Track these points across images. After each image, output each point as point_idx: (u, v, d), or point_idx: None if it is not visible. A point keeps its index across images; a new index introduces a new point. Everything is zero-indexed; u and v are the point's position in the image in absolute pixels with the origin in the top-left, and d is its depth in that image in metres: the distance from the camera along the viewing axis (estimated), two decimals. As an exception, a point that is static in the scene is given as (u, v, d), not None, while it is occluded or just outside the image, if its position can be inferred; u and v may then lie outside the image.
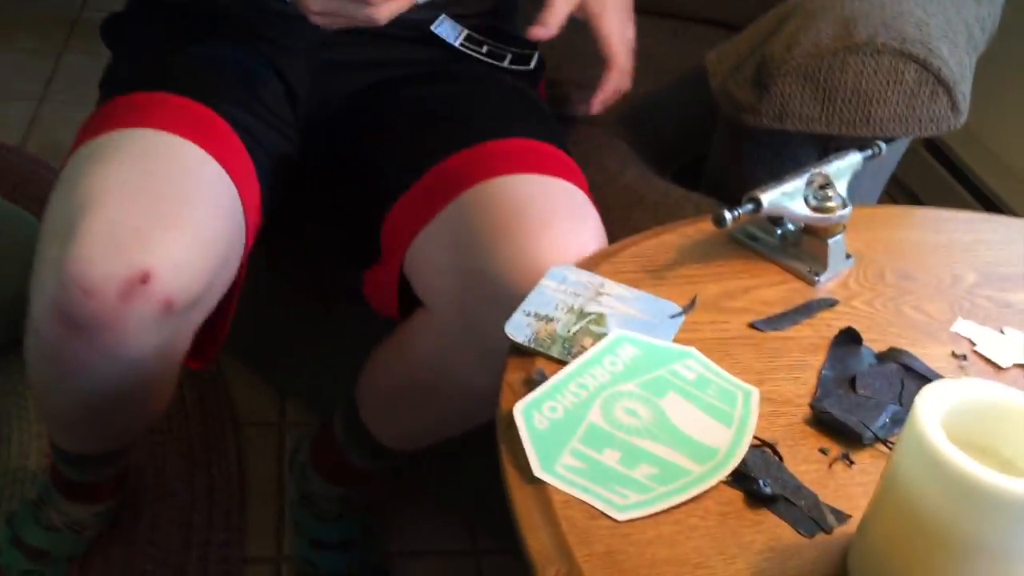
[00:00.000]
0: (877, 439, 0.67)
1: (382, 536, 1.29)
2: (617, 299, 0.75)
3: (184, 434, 1.34)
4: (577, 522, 0.58)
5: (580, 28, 1.32)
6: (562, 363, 0.69)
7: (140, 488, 1.27)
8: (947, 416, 0.51)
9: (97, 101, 0.99)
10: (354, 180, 1.02)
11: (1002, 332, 0.79)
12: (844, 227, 0.83)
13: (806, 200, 0.82)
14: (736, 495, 0.61)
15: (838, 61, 0.92)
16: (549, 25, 0.92)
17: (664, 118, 1.21)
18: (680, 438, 0.64)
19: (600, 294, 0.76)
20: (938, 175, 1.97)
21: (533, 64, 1.10)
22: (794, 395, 0.70)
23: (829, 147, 1.02)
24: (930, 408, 0.51)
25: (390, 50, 1.03)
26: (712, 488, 0.61)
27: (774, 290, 0.80)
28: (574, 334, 0.71)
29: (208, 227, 0.83)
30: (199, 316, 0.88)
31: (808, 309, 0.79)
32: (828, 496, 0.62)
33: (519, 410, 0.64)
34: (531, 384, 0.67)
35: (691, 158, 1.19)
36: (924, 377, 0.73)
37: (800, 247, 0.83)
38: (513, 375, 0.68)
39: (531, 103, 1.04)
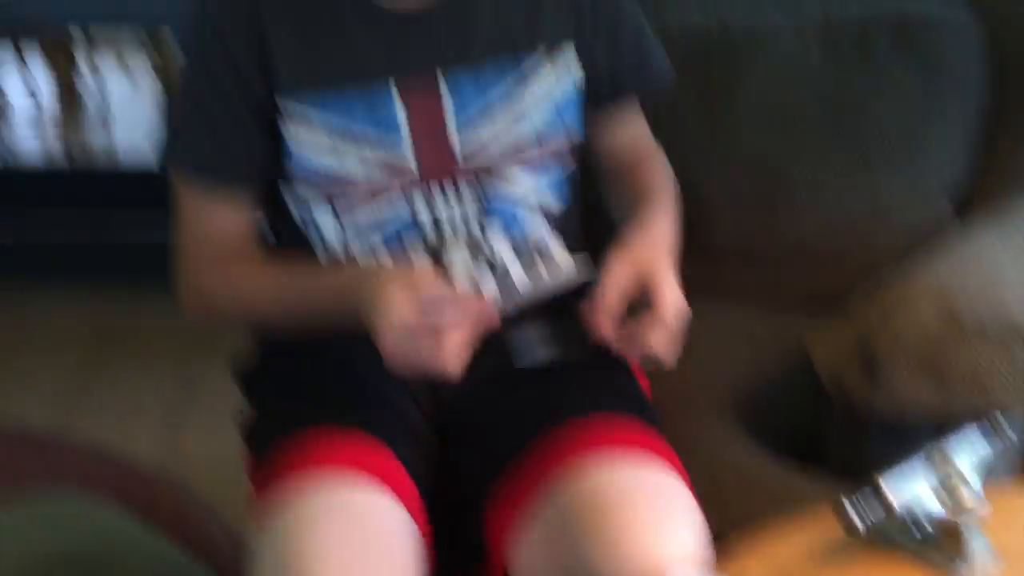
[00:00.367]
0: None
1: None
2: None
3: None
4: None
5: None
6: None
7: None
8: None
9: (247, 446, 1.05)
10: (452, 469, 1.04)
11: None
12: (982, 519, 0.80)
13: (936, 495, 0.79)
14: None
15: (948, 345, 0.93)
16: (606, 316, 0.94)
17: (772, 398, 1.21)
18: None
19: None
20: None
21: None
22: None
23: (948, 426, 1.00)
24: None
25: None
26: None
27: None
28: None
29: None
30: None
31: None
32: None
33: None
34: None
35: (806, 438, 1.18)
36: None
37: (937, 543, 0.80)
38: None
39: (626, 387, 1.06)
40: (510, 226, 1.05)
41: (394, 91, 1.00)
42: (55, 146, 4.17)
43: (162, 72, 4.09)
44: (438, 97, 1.00)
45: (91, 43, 4.55)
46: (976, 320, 0.92)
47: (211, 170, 1.03)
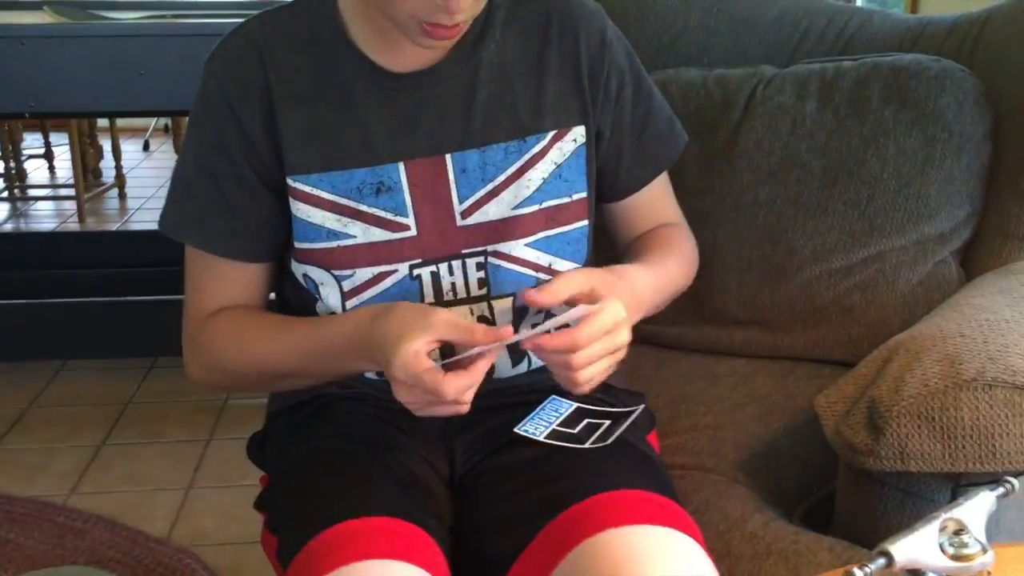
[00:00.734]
0: None
1: None
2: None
3: None
4: None
5: (693, 379, 1.37)
6: None
7: None
8: None
9: (267, 524, 1.04)
10: (471, 544, 1.03)
11: None
12: (989, 573, 0.78)
13: (941, 548, 0.78)
14: None
15: (950, 399, 0.92)
16: (548, 291, 0.92)
17: (782, 460, 1.20)
18: None
19: None
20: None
21: (635, 416, 1.12)
22: None
23: (959, 481, 0.99)
24: None
25: (507, 406, 1.08)
26: None
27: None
28: None
29: None
30: None
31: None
32: None
33: None
34: None
35: (818, 498, 1.17)
36: None
37: (946, 601, 0.79)
38: None
39: (639, 454, 1.05)
40: (517, 298, 1.05)
41: (403, 174, 1.00)
42: (71, 215, 4.23)
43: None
44: (445, 178, 1.01)
45: (114, 128, 4.66)
46: (978, 372, 0.92)
47: (222, 244, 1.03)
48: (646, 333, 1.38)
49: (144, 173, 5.06)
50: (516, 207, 1.03)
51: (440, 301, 1.03)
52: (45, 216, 4.41)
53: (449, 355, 0.92)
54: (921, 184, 1.30)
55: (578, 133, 1.05)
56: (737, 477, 1.16)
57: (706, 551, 0.92)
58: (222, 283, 1.05)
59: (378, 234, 1.01)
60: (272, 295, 1.12)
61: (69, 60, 2.29)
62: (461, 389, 0.89)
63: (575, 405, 1.06)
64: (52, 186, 4.82)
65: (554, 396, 1.07)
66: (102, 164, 4.90)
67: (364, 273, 1.01)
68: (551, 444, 1.00)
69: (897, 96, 1.33)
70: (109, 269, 2.98)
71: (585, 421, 1.04)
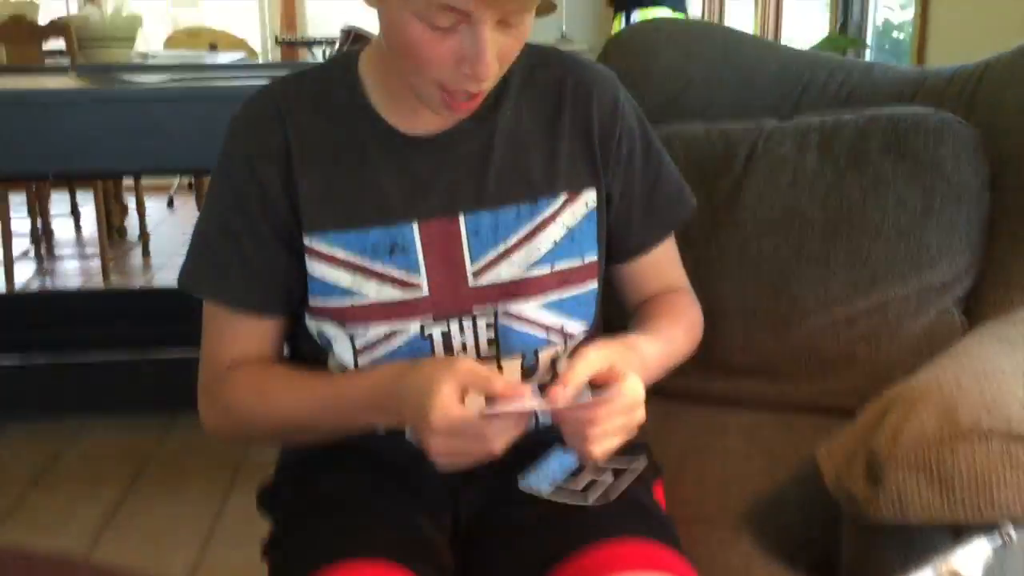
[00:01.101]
0: None
1: None
2: None
3: None
4: None
5: (699, 430, 1.37)
6: None
7: None
8: None
9: (269, 572, 1.05)
10: None
11: None
12: (986, 625, 0.78)
13: (939, 602, 0.78)
14: None
15: (947, 449, 0.92)
16: (570, 384, 0.91)
17: (787, 512, 1.20)
18: None
19: None
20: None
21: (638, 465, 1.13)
22: None
23: (961, 532, 0.99)
24: None
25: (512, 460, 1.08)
26: None
27: None
28: None
29: None
30: None
31: None
32: None
33: None
34: None
35: (823, 550, 1.16)
36: None
37: (943, 651, 0.79)
38: None
39: (642, 505, 1.06)
40: (527, 356, 1.06)
41: (416, 234, 1.02)
42: (96, 273, 4.30)
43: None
44: (458, 238, 1.03)
45: (139, 186, 4.74)
46: (975, 422, 0.92)
47: (240, 298, 1.05)
48: (652, 384, 1.39)
49: (168, 230, 5.14)
50: (528, 268, 1.04)
51: (448, 353, 1.05)
52: (71, 274, 4.49)
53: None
54: (921, 233, 1.31)
55: (589, 197, 1.07)
56: (741, 529, 1.16)
57: None
58: (238, 336, 1.07)
59: (390, 293, 1.02)
60: (286, 350, 1.14)
61: (93, 123, 2.35)
62: (502, 431, 0.90)
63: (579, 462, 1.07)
64: (78, 244, 4.90)
65: (558, 446, 1.08)
66: (127, 221, 4.99)
67: (377, 331, 1.03)
68: (554, 502, 1.00)
69: (896, 148, 1.35)
70: (132, 326, 3.03)
71: (589, 476, 1.05)
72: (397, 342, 1.04)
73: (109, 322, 3.10)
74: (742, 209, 1.42)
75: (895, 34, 3.82)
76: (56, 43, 4.45)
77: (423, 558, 0.97)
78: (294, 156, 1.02)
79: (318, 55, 5.25)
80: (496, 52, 0.91)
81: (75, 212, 4.98)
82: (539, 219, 1.04)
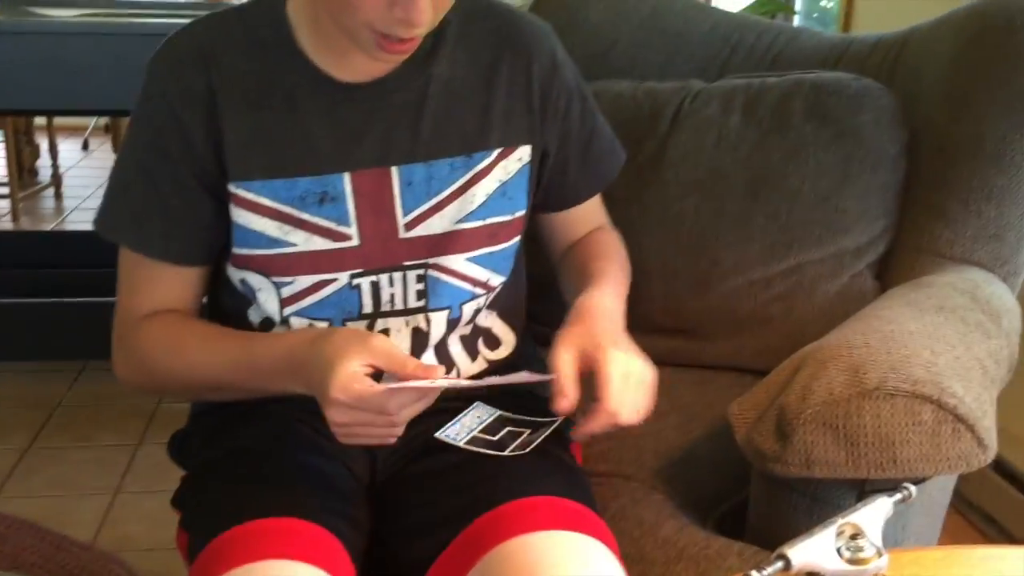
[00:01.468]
0: None
1: None
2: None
3: None
4: None
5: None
6: None
7: None
8: None
9: (180, 521, 1.04)
10: (389, 549, 1.03)
11: None
12: (883, 576, 0.81)
13: (838, 552, 0.81)
14: None
15: (853, 407, 0.95)
16: (567, 396, 0.94)
17: (699, 467, 1.22)
18: None
19: None
20: (1011, 496, 1.91)
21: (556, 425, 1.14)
22: None
23: (865, 488, 1.02)
24: None
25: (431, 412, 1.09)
26: None
27: (819, 651, 0.77)
28: None
29: None
30: None
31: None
32: None
33: None
34: None
35: (732, 505, 1.19)
36: None
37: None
38: None
39: (557, 461, 1.06)
40: (453, 310, 1.06)
41: (348, 185, 1.00)
42: (5, 214, 4.16)
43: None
44: (390, 190, 1.01)
45: (52, 126, 4.58)
46: (881, 381, 0.95)
47: (158, 246, 1.02)
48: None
49: (82, 173, 4.98)
50: (459, 221, 1.03)
51: (378, 311, 1.04)
52: (-22, 215, 4.33)
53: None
54: (838, 199, 1.34)
55: (524, 152, 1.06)
56: (655, 484, 1.18)
57: (618, 557, 0.93)
58: (155, 285, 1.04)
59: (319, 243, 1.00)
60: (204, 299, 1.12)
61: (3, 57, 2.26)
62: (403, 406, 0.89)
63: (498, 413, 1.07)
64: (-14, 184, 4.73)
65: (478, 403, 1.08)
66: (39, 163, 4.82)
67: (304, 281, 1.01)
68: (470, 450, 1.01)
69: (817, 112, 1.37)
70: (42, 270, 2.94)
71: (506, 429, 1.05)
72: (325, 292, 1.02)
73: (18, 265, 3.00)
74: (666, 169, 1.43)
75: (823, 2, 3.87)
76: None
77: (338, 513, 0.97)
78: (219, 101, 0.98)
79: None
80: None
81: (-17, 151, 4.79)
82: (472, 173, 1.04)
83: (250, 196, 0.99)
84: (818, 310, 1.34)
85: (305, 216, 1.00)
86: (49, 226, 4.25)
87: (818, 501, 1.04)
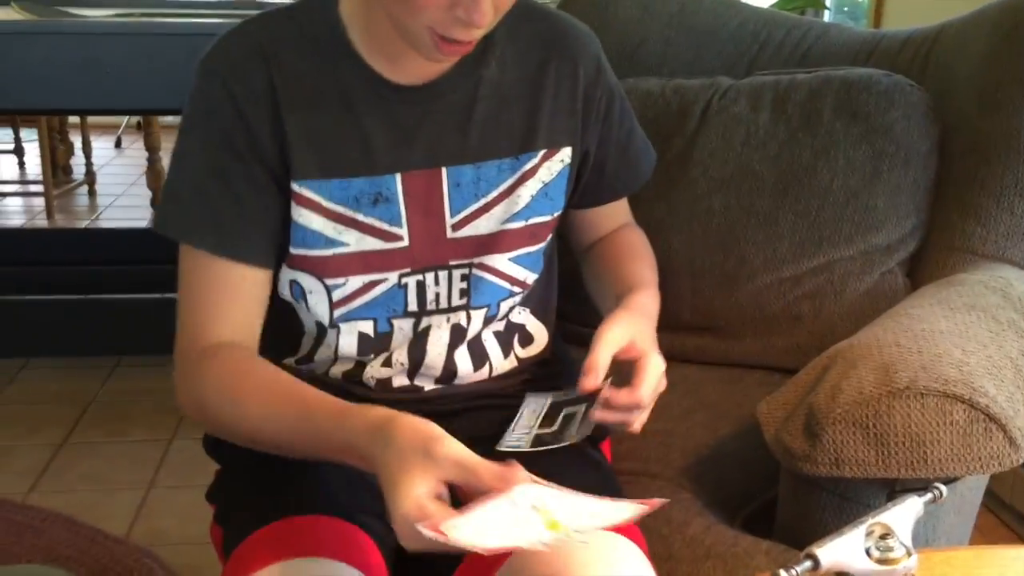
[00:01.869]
0: None
1: None
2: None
3: None
4: None
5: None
6: None
7: None
8: None
9: (215, 516, 1.05)
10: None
11: None
12: (913, 576, 0.81)
13: (867, 552, 0.80)
14: None
15: (884, 406, 0.94)
16: (597, 369, 0.94)
17: (727, 466, 1.22)
18: None
19: None
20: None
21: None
22: None
23: (895, 487, 1.02)
24: None
25: (468, 409, 1.09)
26: None
27: (848, 651, 0.77)
28: None
29: None
30: None
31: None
32: None
33: None
34: None
35: (761, 503, 1.19)
36: None
37: (871, 602, 0.81)
38: None
39: (588, 460, 1.07)
40: (491, 308, 1.07)
41: (399, 185, 1.00)
42: (40, 212, 4.22)
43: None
44: (440, 191, 1.02)
45: (85, 125, 4.64)
46: (912, 380, 0.94)
47: (241, 248, 0.97)
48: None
49: (115, 171, 5.04)
50: (504, 222, 1.04)
51: (423, 310, 1.04)
52: (14, 212, 4.39)
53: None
54: (869, 196, 1.33)
55: (565, 154, 1.07)
56: (682, 483, 1.18)
57: (647, 556, 0.94)
58: (227, 295, 0.98)
59: (371, 243, 1.01)
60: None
61: (38, 57, 2.28)
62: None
63: (550, 399, 1.06)
64: (21, 182, 4.79)
65: (528, 395, 1.07)
66: (72, 161, 4.88)
67: (355, 282, 1.01)
68: (536, 451, 0.98)
69: (847, 109, 1.36)
70: (76, 266, 2.97)
71: (563, 413, 1.04)
72: (374, 293, 1.02)
73: (53, 262, 3.04)
74: (694, 166, 1.42)
75: (854, -3, 3.84)
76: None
77: (368, 510, 0.97)
78: (280, 99, 0.97)
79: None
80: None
81: (19, 149, 4.85)
82: (519, 174, 1.04)
83: (310, 195, 0.99)
84: (848, 308, 1.33)
85: (359, 216, 1.00)
86: (83, 223, 4.30)
87: (848, 500, 1.04)
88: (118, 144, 5.55)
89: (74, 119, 4.76)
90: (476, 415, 1.08)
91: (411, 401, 1.07)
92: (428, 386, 1.08)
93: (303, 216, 0.99)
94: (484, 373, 1.09)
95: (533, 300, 1.13)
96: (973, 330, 1.05)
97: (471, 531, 0.75)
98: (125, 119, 5.62)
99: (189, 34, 2.28)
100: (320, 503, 0.94)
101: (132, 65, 2.26)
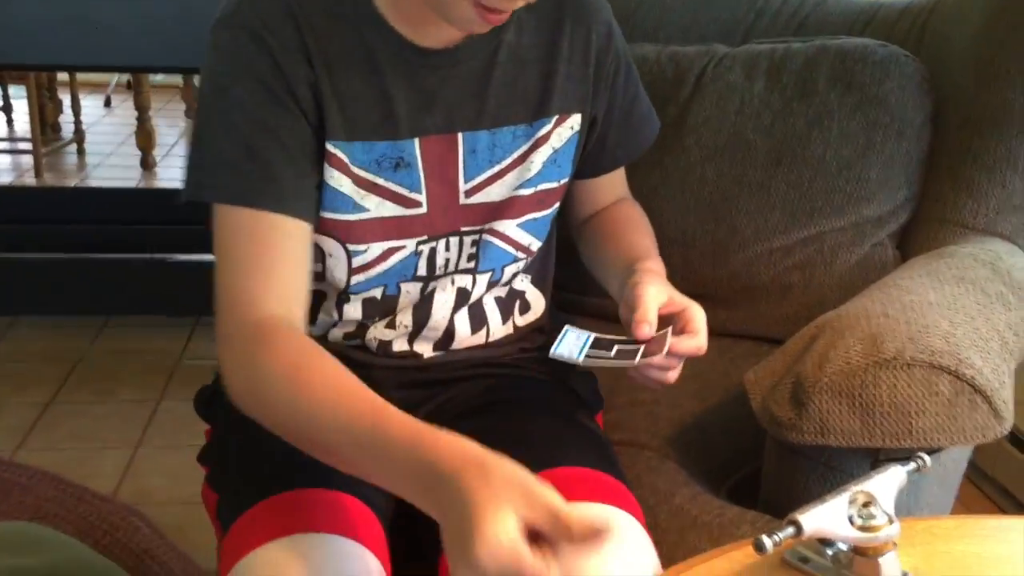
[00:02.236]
0: None
1: None
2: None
3: None
4: None
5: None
6: None
7: None
8: None
9: (207, 478, 1.05)
10: (422, 517, 1.04)
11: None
12: (895, 544, 0.81)
13: (850, 519, 0.81)
14: None
15: (870, 376, 0.95)
16: (649, 321, 0.95)
17: (714, 436, 1.23)
18: None
19: None
20: (1025, 467, 1.91)
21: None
22: None
23: (879, 457, 1.02)
24: None
25: (465, 378, 1.09)
26: None
27: (829, 617, 0.78)
28: None
29: None
30: None
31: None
32: None
33: None
34: None
35: (746, 473, 1.19)
36: None
37: (852, 567, 0.81)
38: None
39: (585, 430, 1.07)
40: (495, 272, 1.07)
41: (417, 150, 0.99)
42: (28, 170, 4.19)
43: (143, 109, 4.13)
44: (455, 156, 1.01)
45: (74, 82, 4.59)
46: (899, 351, 0.94)
47: (297, 206, 0.92)
48: (591, 307, 1.40)
49: (105, 129, 5.00)
50: (515, 188, 1.04)
51: (431, 274, 1.04)
52: (2, 170, 4.35)
53: None
54: (861, 167, 1.33)
55: (575, 120, 1.06)
56: (669, 453, 1.19)
57: (645, 529, 0.94)
58: (280, 257, 0.92)
59: (390, 209, 0.99)
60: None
61: (24, 13, 2.26)
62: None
63: (593, 335, 1.01)
64: (9, 139, 4.75)
65: (568, 326, 1.03)
66: (61, 119, 4.84)
67: (376, 249, 1.00)
68: (591, 366, 0.98)
69: (842, 79, 1.35)
70: (65, 225, 2.96)
71: (616, 347, 0.99)
72: (392, 261, 1.01)
73: (41, 220, 3.02)
74: (688, 134, 1.42)
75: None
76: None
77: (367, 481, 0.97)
78: (313, 58, 0.94)
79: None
80: None
81: (7, 106, 4.81)
82: (532, 141, 1.04)
83: (341, 156, 0.96)
84: (837, 279, 1.33)
85: (380, 181, 0.98)
86: (72, 182, 4.27)
87: (832, 469, 1.04)
88: (107, 103, 5.50)
89: (63, 76, 4.71)
90: (472, 384, 1.09)
91: (411, 368, 1.07)
92: (427, 352, 1.08)
93: (334, 178, 0.96)
94: (481, 337, 1.09)
95: (534, 268, 1.13)
96: (961, 302, 1.05)
97: None
98: (115, 78, 5.56)
99: (180, -8, 2.26)
100: (318, 476, 0.93)
101: (122, 21, 2.23)
